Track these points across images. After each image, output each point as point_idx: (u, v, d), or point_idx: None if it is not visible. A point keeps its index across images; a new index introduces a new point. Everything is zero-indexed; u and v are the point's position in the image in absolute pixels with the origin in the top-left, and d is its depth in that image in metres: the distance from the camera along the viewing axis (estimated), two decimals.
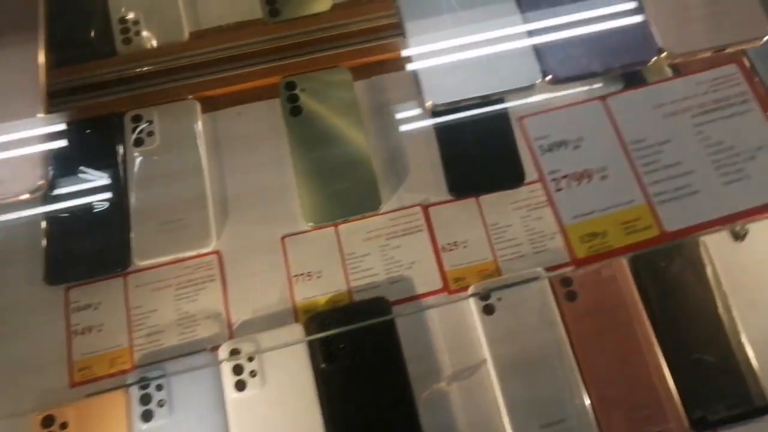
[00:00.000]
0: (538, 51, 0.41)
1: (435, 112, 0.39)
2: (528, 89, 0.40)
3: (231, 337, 0.57)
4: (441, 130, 0.60)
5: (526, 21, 0.41)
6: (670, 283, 0.57)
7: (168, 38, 0.64)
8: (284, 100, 0.62)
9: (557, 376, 0.55)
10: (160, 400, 0.54)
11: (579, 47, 0.40)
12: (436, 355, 0.56)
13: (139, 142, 0.61)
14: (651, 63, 0.40)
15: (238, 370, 0.54)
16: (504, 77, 0.39)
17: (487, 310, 0.56)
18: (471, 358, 0.56)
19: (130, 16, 0.65)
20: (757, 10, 0.42)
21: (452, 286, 0.57)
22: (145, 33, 0.64)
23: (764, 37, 0.41)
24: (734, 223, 0.38)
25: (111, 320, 0.57)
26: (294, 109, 0.62)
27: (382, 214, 0.60)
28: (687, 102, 0.38)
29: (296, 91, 0.62)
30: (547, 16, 0.41)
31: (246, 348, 0.55)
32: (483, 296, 0.56)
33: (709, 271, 0.57)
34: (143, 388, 0.54)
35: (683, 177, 0.37)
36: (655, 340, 0.56)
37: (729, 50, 0.40)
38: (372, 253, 0.58)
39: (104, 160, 0.61)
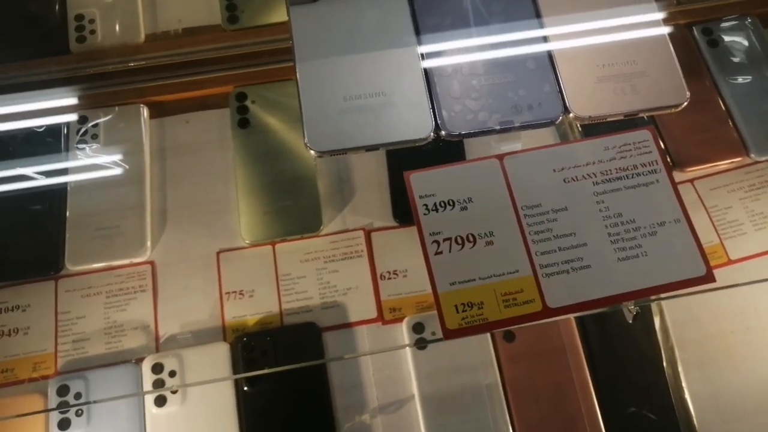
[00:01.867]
0: (434, 102, 0.37)
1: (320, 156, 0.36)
2: (418, 143, 0.36)
3: (158, 350, 0.55)
4: (392, 153, 0.58)
5: (425, 69, 0.38)
6: (616, 331, 0.55)
7: (123, 39, 0.63)
8: (233, 110, 0.60)
9: (485, 419, 0.52)
10: (78, 410, 0.53)
11: (478, 101, 0.36)
12: (364, 386, 0.54)
13: (82, 144, 0.60)
14: (556, 124, 0.36)
15: (158, 385, 0.53)
16: (392, 129, 0.35)
17: (420, 345, 0.54)
18: (399, 392, 0.54)
19: (87, 13, 0.64)
20: (676, 75, 0.38)
21: (387, 316, 0.56)
22: (100, 32, 0.63)
23: (683, 103, 0.37)
24: (626, 303, 0.35)
25: (38, 324, 0.56)
26: (242, 121, 0.60)
27: (322, 235, 0.58)
28: (590, 168, 0.35)
29: (246, 103, 0.61)
30: (448, 66, 0.37)
31: (170, 363, 0.53)
32: (416, 330, 0.54)
33: (657, 321, 0.55)
34: (61, 396, 0.53)
35: (575, 249, 0.34)
36: (592, 389, 0.53)
37: (643, 115, 0.37)
38: (308, 276, 0.57)
39: (46, 160, 0.59)
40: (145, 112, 0.61)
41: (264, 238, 0.57)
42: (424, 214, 0.35)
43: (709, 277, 0.34)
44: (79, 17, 0.64)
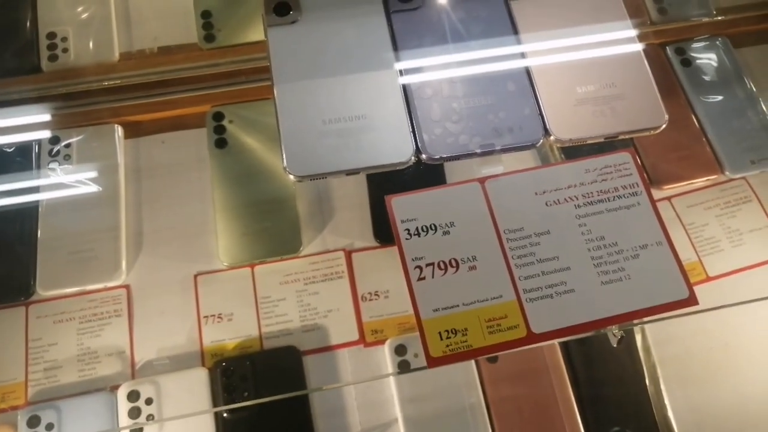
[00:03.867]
0: (414, 125, 0.37)
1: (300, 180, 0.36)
2: (399, 167, 0.36)
3: (133, 376, 0.54)
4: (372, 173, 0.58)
5: (405, 92, 0.37)
6: (599, 351, 0.55)
7: (97, 58, 0.62)
8: (210, 130, 0.60)
9: None
10: None
11: (459, 124, 0.36)
12: (347, 410, 0.53)
13: (54, 165, 0.58)
14: (537, 146, 0.36)
15: (134, 413, 0.51)
16: (372, 153, 0.35)
17: (403, 366, 0.53)
18: (383, 415, 0.53)
19: (59, 31, 0.62)
20: (654, 97, 0.39)
21: (369, 338, 0.55)
22: (73, 51, 0.62)
23: (661, 126, 0.38)
24: (610, 327, 0.35)
25: (7, 352, 0.54)
26: (219, 141, 0.59)
27: (302, 257, 0.57)
28: (572, 190, 0.35)
29: (224, 123, 0.60)
30: (428, 89, 0.37)
31: (146, 390, 0.52)
32: (399, 352, 0.54)
33: (639, 340, 0.55)
34: (32, 427, 0.51)
35: (558, 273, 0.33)
36: (576, 408, 0.53)
37: (623, 137, 0.37)
38: (288, 298, 0.56)
39: (16, 181, 0.58)
40: (119, 132, 0.60)
41: (242, 260, 0.56)
42: (406, 238, 0.35)
43: (691, 300, 0.34)
44: (51, 35, 0.62)
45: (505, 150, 0.36)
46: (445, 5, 0.39)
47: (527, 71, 0.38)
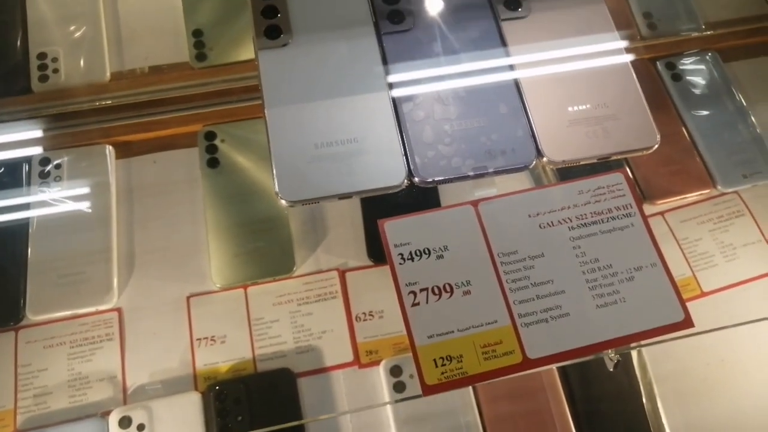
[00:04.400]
0: (406, 148, 0.37)
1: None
2: (391, 190, 0.36)
3: (125, 402, 0.53)
4: None
5: (396, 114, 0.37)
6: (595, 369, 0.54)
7: (88, 78, 0.61)
8: (202, 150, 0.59)
9: None
10: None
11: (451, 146, 0.36)
12: (341, 431, 0.53)
13: (44, 187, 0.58)
14: (530, 168, 0.36)
15: None
16: (364, 177, 0.35)
17: (398, 388, 0.53)
18: None
19: (50, 52, 0.62)
20: (646, 117, 0.39)
21: (363, 359, 0.54)
22: (64, 71, 0.61)
23: (654, 146, 0.38)
24: (606, 351, 0.35)
25: None
26: (212, 161, 0.59)
27: (296, 277, 0.57)
28: (565, 212, 0.35)
29: (216, 142, 0.60)
30: (419, 111, 0.37)
31: (138, 416, 0.51)
32: (394, 373, 0.53)
33: (635, 356, 0.55)
34: None
35: (553, 297, 0.33)
36: (572, 426, 0.53)
37: (615, 158, 0.37)
38: (281, 320, 0.55)
39: (6, 203, 0.57)
40: (111, 152, 0.59)
41: (235, 282, 0.55)
42: (400, 263, 0.35)
43: (687, 323, 0.34)
44: (42, 55, 0.62)
45: (498, 172, 0.36)
46: (437, 27, 0.39)
47: (519, 92, 0.38)
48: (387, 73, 0.38)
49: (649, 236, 0.35)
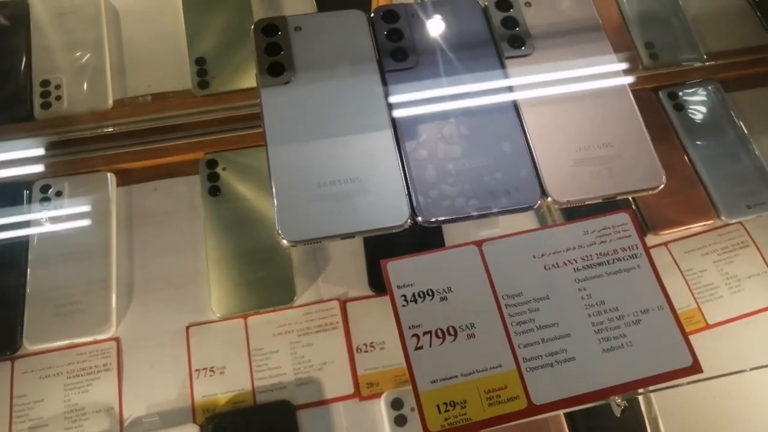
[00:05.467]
0: (410, 188, 0.36)
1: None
2: (394, 230, 0.35)
3: None
4: None
5: (399, 153, 0.37)
6: (604, 417, 0.53)
7: (91, 105, 0.62)
8: (204, 178, 0.59)
9: None
10: None
11: (455, 186, 0.36)
12: None
13: (45, 214, 0.57)
14: (535, 208, 0.36)
15: None
16: (367, 216, 0.34)
17: (399, 421, 0.52)
18: None
19: (53, 79, 0.62)
20: (652, 157, 0.38)
21: (364, 391, 0.53)
22: (66, 98, 0.61)
23: (659, 186, 0.38)
24: (612, 397, 0.34)
25: None
26: (213, 189, 0.59)
27: (296, 307, 0.56)
28: (571, 253, 0.35)
29: (217, 170, 0.59)
30: (423, 150, 0.37)
31: None
32: (395, 406, 0.52)
33: (643, 404, 0.54)
34: None
35: (559, 341, 0.33)
36: None
37: (621, 198, 0.37)
38: (281, 350, 0.54)
39: (5, 231, 0.57)
40: (112, 180, 0.59)
41: (235, 311, 0.55)
42: (403, 305, 0.34)
43: (695, 368, 0.33)
44: (45, 83, 0.62)
45: (502, 213, 0.35)
46: (440, 64, 0.39)
47: (523, 131, 0.38)
48: (390, 111, 0.38)
49: (656, 278, 0.34)
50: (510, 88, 0.39)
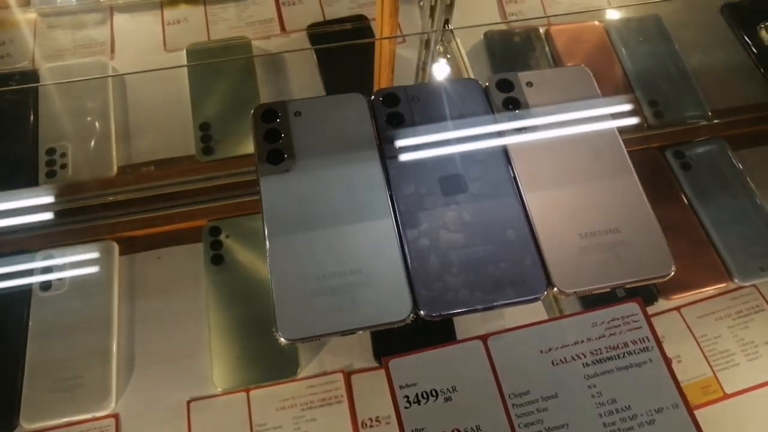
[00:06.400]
0: (412, 280, 0.35)
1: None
2: (396, 325, 0.34)
3: None
4: None
5: (401, 244, 0.36)
6: None
7: (95, 173, 0.62)
8: (207, 246, 0.59)
9: None
10: None
11: (458, 277, 0.35)
12: None
13: (46, 286, 0.57)
14: (540, 300, 0.35)
15: None
16: (368, 311, 0.33)
17: None
18: None
19: (59, 147, 0.62)
20: (661, 244, 0.37)
21: None
22: (71, 166, 0.62)
23: (669, 274, 0.36)
24: None
25: None
26: (216, 258, 0.58)
27: (299, 379, 0.55)
28: (579, 347, 0.33)
29: (220, 237, 0.59)
30: (425, 240, 0.36)
31: None
32: None
33: None
34: None
35: None
36: None
37: (629, 287, 0.36)
38: (284, 426, 0.53)
39: (5, 302, 0.56)
40: (115, 249, 0.59)
41: (237, 385, 0.54)
42: (406, 407, 0.33)
43: None
44: (51, 151, 0.63)
45: (507, 305, 0.34)
46: (441, 150, 0.39)
47: (527, 217, 0.37)
48: (391, 199, 0.37)
49: (669, 373, 0.33)
50: (514, 173, 0.39)
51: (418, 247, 0.36)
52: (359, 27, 0.72)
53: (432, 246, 0.36)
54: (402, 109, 0.40)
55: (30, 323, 0.55)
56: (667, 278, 0.36)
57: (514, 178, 0.39)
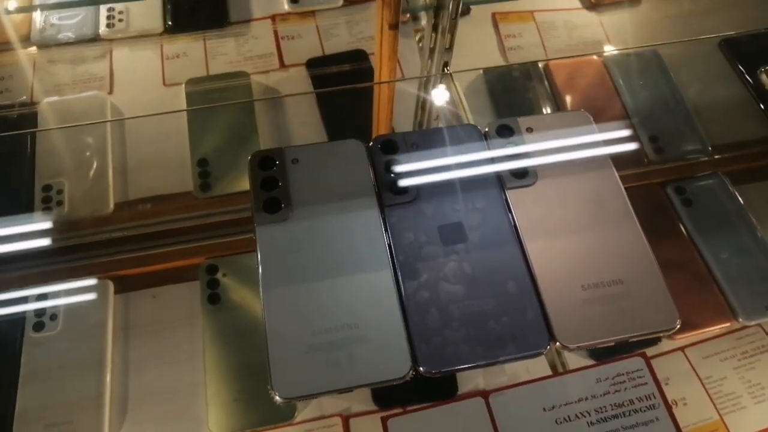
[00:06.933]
0: (411, 335, 0.34)
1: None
2: (395, 382, 0.33)
3: None
4: None
5: (400, 297, 0.35)
6: None
7: (91, 210, 0.61)
8: (203, 285, 0.58)
9: None
10: None
11: (459, 332, 0.34)
12: None
13: (39, 327, 0.56)
14: (543, 355, 0.34)
15: None
16: (365, 368, 0.32)
17: None
18: None
19: (55, 184, 0.62)
20: (664, 294, 0.36)
21: None
22: (67, 203, 0.61)
23: (675, 327, 0.36)
24: None
25: None
26: (212, 297, 0.57)
27: (297, 423, 0.53)
28: (583, 404, 0.32)
29: (217, 276, 0.58)
30: (425, 293, 0.35)
31: None
32: None
33: None
34: None
35: None
36: None
37: (634, 340, 0.35)
38: None
39: None
40: (110, 288, 0.58)
41: (234, 430, 0.52)
42: None
43: None
44: (47, 188, 0.62)
45: (509, 360, 0.34)
46: (440, 197, 0.38)
47: (528, 268, 0.36)
48: (390, 249, 0.37)
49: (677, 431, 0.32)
50: (513, 223, 0.38)
51: (418, 301, 0.35)
52: (358, 67, 0.72)
53: (431, 299, 0.35)
54: (401, 156, 0.40)
55: (22, 366, 0.54)
56: (672, 332, 0.35)
57: (515, 226, 0.38)
